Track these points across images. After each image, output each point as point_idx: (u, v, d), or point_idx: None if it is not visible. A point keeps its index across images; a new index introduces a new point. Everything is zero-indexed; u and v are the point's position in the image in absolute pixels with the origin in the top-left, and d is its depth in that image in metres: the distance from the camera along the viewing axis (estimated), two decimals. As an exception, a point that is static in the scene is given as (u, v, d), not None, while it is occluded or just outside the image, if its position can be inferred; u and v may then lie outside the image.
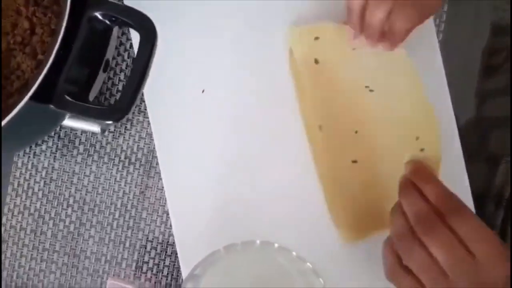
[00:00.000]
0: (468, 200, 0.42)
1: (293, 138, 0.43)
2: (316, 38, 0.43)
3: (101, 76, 0.32)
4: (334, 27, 0.44)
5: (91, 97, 0.32)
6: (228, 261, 0.39)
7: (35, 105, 0.29)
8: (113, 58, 0.36)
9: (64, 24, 0.27)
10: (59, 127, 0.43)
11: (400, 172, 0.43)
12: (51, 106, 0.29)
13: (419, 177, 0.36)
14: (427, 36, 0.44)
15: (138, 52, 0.29)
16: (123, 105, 0.29)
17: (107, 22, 0.30)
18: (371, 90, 0.43)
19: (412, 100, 0.43)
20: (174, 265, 0.43)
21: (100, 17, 0.29)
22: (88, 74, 0.31)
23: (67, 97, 0.29)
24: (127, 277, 0.43)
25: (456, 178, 0.42)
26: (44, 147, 0.43)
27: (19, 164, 0.43)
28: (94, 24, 0.30)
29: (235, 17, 0.43)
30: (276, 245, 0.39)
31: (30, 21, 0.37)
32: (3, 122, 0.27)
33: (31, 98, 0.28)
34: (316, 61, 0.43)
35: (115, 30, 0.33)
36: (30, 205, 0.43)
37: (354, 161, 0.43)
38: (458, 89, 0.44)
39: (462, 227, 0.31)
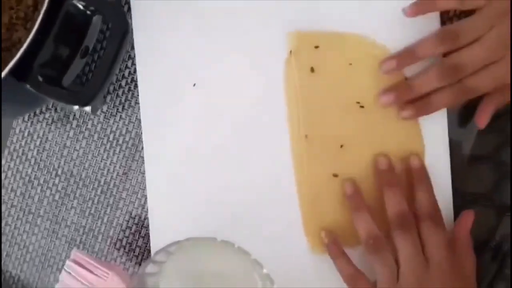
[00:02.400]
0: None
1: (277, 142, 0.44)
2: (316, 47, 0.43)
3: (79, 62, 0.34)
4: (335, 36, 0.43)
5: (68, 80, 0.34)
6: (189, 253, 0.41)
7: (14, 81, 0.31)
8: (95, 46, 0.37)
9: (44, 7, 0.29)
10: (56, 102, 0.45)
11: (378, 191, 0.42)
12: (27, 85, 0.31)
13: (420, 176, 0.40)
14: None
15: (107, 44, 0.31)
16: (87, 93, 0.30)
17: (87, 12, 0.31)
18: (361, 106, 0.42)
19: (402, 122, 0.42)
20: (146, 246, 0.45)
21: (79, 6, 0.31)
22: (65, 58, 0.33)
23: (40, 79, 0.31)
24: (100, 251, 0.46)
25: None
26: (41, 117, 0.46)
27: (17, 131, 0.46)
28: (73, 12, 0.31)
29: (234, 15, 0.43)
30: (236, 245, 0.40)
31: (34, -2, 0.39)
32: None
33: (9, 73, 0.30)
34: (312, 70, 0.43)
35: (98, 19, 0.34)
36: (22, 170, 0.46)
37: (335, 175, 0.43)
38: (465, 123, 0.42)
39: (430, 233, 0.37)
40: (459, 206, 0.42)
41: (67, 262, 0.40)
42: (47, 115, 0.46)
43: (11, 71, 0.30)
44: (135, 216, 0.45)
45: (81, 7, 0.31)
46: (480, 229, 0.41)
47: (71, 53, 0.33)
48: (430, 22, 0.41)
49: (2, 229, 0.46)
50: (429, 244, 0.37)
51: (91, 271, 0.39)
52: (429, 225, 0.37)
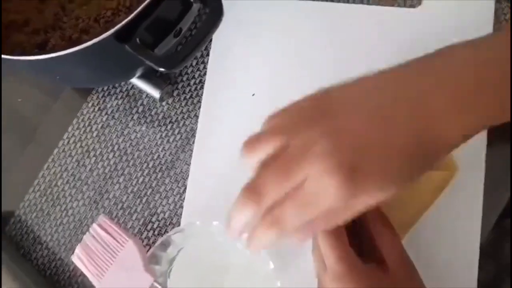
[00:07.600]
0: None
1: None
2: None
3: (171, 39, 0.40)
4: None
5: (158, 52, 0.39)
6: (203, 238, 0.43)
7: (114, 42, 0.37)
8: (187, 29, 0.43)
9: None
10: (130, 85, 0.51)
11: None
12: (126, 46, 0.36)
13: None
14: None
15: (203, 22, 0.37)
16: (175, 60, 0.36)
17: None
18: None
19: None
20: (174, 234, 0.47)
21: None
22: (161, 32, 0.39)
23: (139, 42, 0.36)
24: (132, 228, 0.48)
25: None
26: (113, 97, 0.51)
27: (89, 104, 0.51)
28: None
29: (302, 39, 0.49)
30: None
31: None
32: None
33: (113, 34, 0.36)
34: None
35: (197, 7, 0.40)
36: (83, 139, 0.50)
37: None
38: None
39: None
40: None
41: (93, 225, 0.43)
42: (118, 96, 0.51)
43: (116, 34, 0.36)
44: (172, 203, 0.48)
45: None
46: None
47: (166, 30, 0.39)
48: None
49: (51, 188, 0.50)
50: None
51: (112, 236, 0.42)
52: None
